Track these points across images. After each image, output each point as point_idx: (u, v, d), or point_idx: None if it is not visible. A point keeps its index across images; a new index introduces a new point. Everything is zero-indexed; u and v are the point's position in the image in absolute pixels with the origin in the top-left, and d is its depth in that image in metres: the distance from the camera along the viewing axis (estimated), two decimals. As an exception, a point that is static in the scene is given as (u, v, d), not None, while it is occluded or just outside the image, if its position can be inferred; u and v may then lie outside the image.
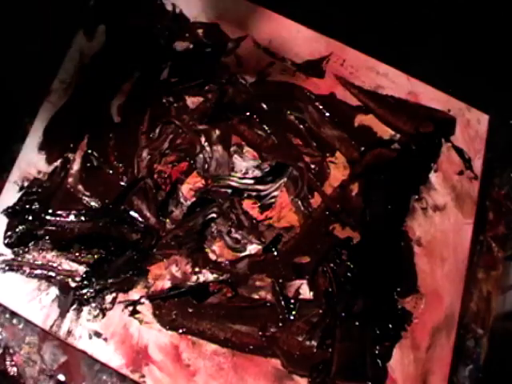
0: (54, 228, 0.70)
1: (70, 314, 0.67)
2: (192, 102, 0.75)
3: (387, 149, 0.76)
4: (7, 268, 0.68)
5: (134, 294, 0.69)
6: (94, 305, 0.68)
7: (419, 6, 0.83)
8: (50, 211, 0.70)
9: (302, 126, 0.76)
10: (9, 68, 0.71)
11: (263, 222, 0.72)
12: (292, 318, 0.69)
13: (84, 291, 0.68)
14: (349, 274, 0.71)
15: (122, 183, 0.72)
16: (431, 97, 0.78)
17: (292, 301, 0.70)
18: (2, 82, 0.73)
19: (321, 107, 0.76)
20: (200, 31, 0.78)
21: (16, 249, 0.69)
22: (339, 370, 0.68)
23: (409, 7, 0.83)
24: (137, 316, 0.68)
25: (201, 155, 0.73)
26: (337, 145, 0.75)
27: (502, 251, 0.76)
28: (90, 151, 0.73)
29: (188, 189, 0.72)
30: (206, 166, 0.73)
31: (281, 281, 0.70)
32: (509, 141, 0.79)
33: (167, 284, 0.69)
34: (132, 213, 0.71)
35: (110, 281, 0.69)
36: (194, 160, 0.73)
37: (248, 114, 0.75)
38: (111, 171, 0.72)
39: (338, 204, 0.73)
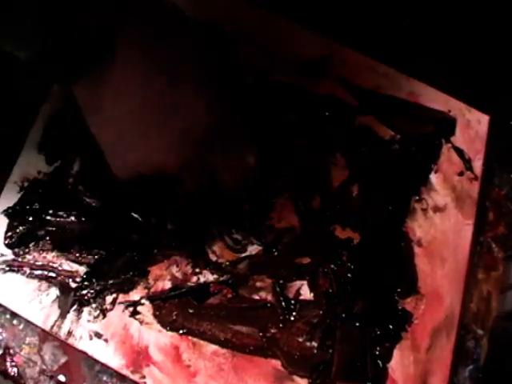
0: (54, 228, 0.70)
1: (71, 315, 0.67)
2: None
3: (387, 149, 0.76)
4: (7, 268, 0.68)
5: (135, 295, 0.69)
6: (94, 305, 0.68)
7: (419, 6, 0.83)
8: (51, 212, 0.70)
9: (302, 126, 0.76)
10: (9, 67, 0.71)
11: (264, 223, 0.72)
12: (292, 318, 0.69)
13: (84, 292, 0.68)
14: (349, 275, 0.71)
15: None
16: (431, 97, 0.78)
17: (292, 301, 0.70)
18: (2, 82, 0.73)
19: (321, 107, 0.76)
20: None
21: (16, 249, 0.69)
22: (339, 370, 0.68)
23: (409, 7, 0.83)
24: (137, 317, 0.68)
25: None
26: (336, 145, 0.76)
27: (502, 251, 0.76)
28: (90, 151, 0.72)
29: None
30: (207, 166, 0.73)
31: (281, 281, 0.70)
32: (509, 141, 0.79)
33: (167, 285, 0.69)
34: (133, 213, 0.71)
35: (110, 281, 0.68)
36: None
37: (248, 114, 0.75)
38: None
39: (338, 205, 0.73)
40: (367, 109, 0.78)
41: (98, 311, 0.68)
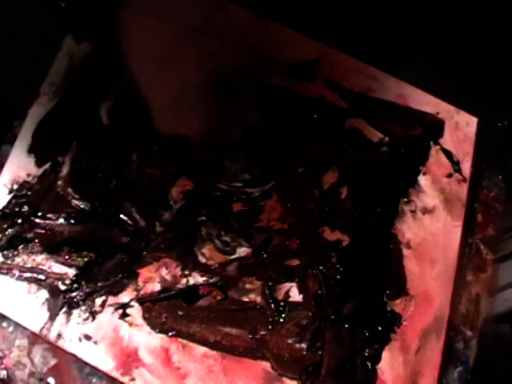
0: (43, 231, 0.70)
1: (60, 317, 0.67)
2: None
3: (376, 152, 0.76)
4: (-4, 271, 0.68)
5: (124, 297, 0.68)
6: (83, 308, 0.68)
7: (410, 10, 0.83)
8: (40, 214, 0.70)
9: (291, 129, 0.76)
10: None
11: (253, 225, 0.72)
12: (282, 320, 0.69)
13: (74, 294, 0.68)
14: (338, 277, 0.71)
15: (112, 186, 0.72)
16: (420, 100, 0.79)
17: (282, 303, 0.70)
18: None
19: (310, 110, 0.77)
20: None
21: (5, 252, 0.69)
22: (329, 372, 0.68)
23: (399, 11, 0.83)
24: (127, 319, 0.68)
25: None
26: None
27: (491, 253, 0.76)
28: (79, 154, 0.72)
29: (177, 192, 0.72)
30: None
31: (270, 283, 0.70)
32: (497, 143, 0.80)
33: (157, 287, 0.69)
34: (121, 216, 0.71)
35: (99, 284, 0.68)
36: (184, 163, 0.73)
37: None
38: (100, 174, 0.72)
39: (327, 207, 0.73)
40: (357, 111, 0.78)
41: (88, 314, 0.68)
